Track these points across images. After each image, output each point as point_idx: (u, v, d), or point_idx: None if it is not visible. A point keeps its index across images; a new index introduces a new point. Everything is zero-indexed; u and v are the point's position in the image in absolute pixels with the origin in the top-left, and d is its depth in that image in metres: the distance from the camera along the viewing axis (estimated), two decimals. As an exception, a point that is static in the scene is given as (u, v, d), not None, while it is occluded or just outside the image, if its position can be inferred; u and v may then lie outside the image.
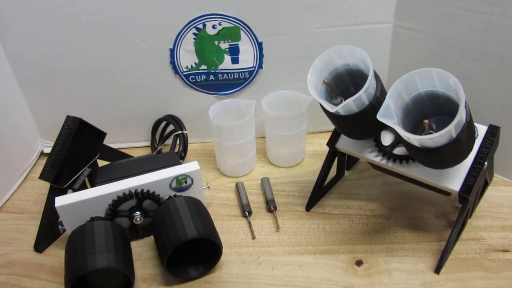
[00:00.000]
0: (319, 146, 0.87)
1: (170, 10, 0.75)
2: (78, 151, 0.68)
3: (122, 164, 0.72)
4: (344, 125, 0.60)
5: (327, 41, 0.78)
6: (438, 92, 0.53)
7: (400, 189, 0.75)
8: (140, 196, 0.64)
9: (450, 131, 0.47)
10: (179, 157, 0.80)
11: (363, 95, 0.54)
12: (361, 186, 0.77)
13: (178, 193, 0.68)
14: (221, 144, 0.78)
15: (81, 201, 0.62)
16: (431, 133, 0.50)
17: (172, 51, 0.79)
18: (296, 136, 0.79)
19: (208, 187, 0.74)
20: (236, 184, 0.78)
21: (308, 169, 0.82)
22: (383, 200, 0.73)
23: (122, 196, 0.64)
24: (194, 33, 0.77)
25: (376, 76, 0.57)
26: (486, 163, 0.58)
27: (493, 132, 0.59)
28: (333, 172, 0.76)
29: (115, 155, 0.77)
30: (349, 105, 0.55)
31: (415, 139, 0.50)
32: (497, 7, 0.64)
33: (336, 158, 0.74)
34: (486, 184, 0.72)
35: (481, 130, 0.60)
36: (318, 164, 0.81)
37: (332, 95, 0.58)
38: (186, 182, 0.68)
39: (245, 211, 0.72)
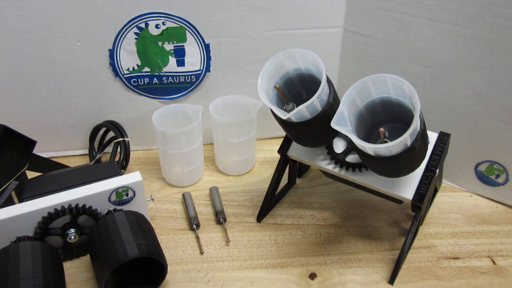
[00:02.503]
0: (270, 152, 0.84)
1: (108, 6, 0.69)
2: (2, 162, 0.60)
3: (54, 176, 0.65)
4: (296, 132, 0.57)
5: (276, 45, 0.76)
6: (391, 99, 0.51)
7: (352, 197, 0.73)
8: (75, 211, 0.58)
9: (405, 139, 0.46)
10: (120, 167, 0.73)
11: (316, 101, 0.51)
12: (313, 194, 0.74)
13: (118, 207, 0.62)
14: (166, 152, 0.72)
15: (5, 219, 0.55)
16: (386, 142, 0.48)
17: (111, 52, 0.73)
18: (245, 143, 0.75)
19: (152, 199, 0.68)
20: (183, 195, 0.73)
21: (259, 177, 0.79)
22: (336, 208, 0.71)
23: (54, 213, 0.57)
24: (135, 33, 0.72)
25: (329, 81, 0.55)
26: (437, 170, 0.58)
27: (443, 139, 0.59)
28: (284, 180, 0.74)
29: (47, 165, 0.70)
30: (301, 112, 0.52)
31: (370, 148, 0.48)
32: (444, 13, 0.64)
33: (288, 166, 0.71)
34: (435, 191, 0.72)
35: (431, 137, 0.60)
36: (269, 172, 0.79)
37: (283, 100, 0.55)
38: (127, 194, 0.62)
39: (193, 224, 0.67)
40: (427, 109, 0.72)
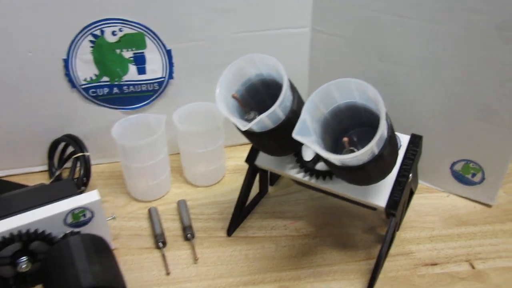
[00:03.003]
0: (241, 160, 0.79)
1: (60, 14, 0.64)
2: None
3: (5, 199, 0.60)
4: (260, 142, 0.54)
5: (243, 48, 0.72)
6: (357, 104, 0.48)
7: (326, 204, 0.70)
8: (26, 238, 0.53)
9: (372, 148, 0.43)
10: (81, 184, 0.69)
11: (278, 110, 0.48)
12: (286, 202, 0.71)
13: (76, 229, 0.58)
14: (128, 166, 0.68)
15: None
16: (352, 150, 0.45)
17: (66, 62, 0.68)
18: (213, 152, 0.71)
19: (114, 218, 0.64)
20: (149, 210, 0.69)
21: (230, 186, 0.75)
22: (310, 216, 0.68)
23: (1, 241, 0.52)
24: (91, 41, 0.67)
25: (292, 86, 0.52)
26: (411, 175, 0.55)
27: (415, 142, 0.56)
28: (255, 189, 0.70)
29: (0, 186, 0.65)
30: (263, 121, 0.49)
31: (335, 159, 0.45)
32: (413, 9, 0.62)
33: (258, 174, 0.68)
34: (411, 193, 0.70)
35: (403, 140, 0.57)
36: (240, 181, 0.74)
37: (244, 109, 0.52)
38: (84, 215, 0.58)
39: (159, 242, 0.63)
40: (400, 108, 0.69)
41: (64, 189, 0.61)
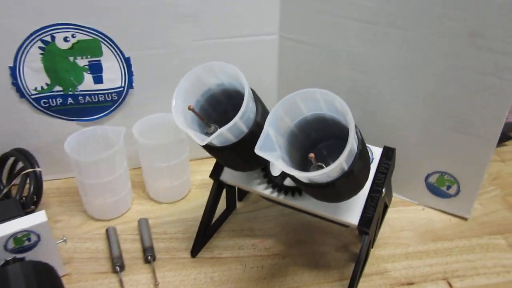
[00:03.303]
0: (208, 174, 0.75)
1: (5, 17, 0.59)
2: None
3: None
4: (222, 157, 0.50)
5: (207, 56, 0.68)
6: (325, 116, 0.45)
7: (297, 220, 0.67)
8: (-41, 267, 0.48)
9: (341, 164, 0.39)
10: (30, 203, 0.63)
11: (240, 122, 0.44)
12: (255, 219, 0.67)
13: (19, 255, 0.52)
14: (83, 182, 0.63)
15: None
16: (321, 166, 0.41)
17: (13, 70, 0.63)
18: (177, 166, 0.67)
19: (65, 241, 0.59)
20: (107, 230, 0.64)
21: (196, 202, 0.70)
22: (280, 234, 0.64)
23: None
24: (40, 47, 0.62)
25: (256, 97, 0.48)
26: (383, 189, 0.52)
27: (388, 155, 0.53)
28: (223, 205, 0.66)
29: None
30: (223, 135, 0.45)
31: (301, 177, 0.41)
32: (382, 15, 0.59)
33: (225, 190, 0.64)
34: (386, 207, 0.67)
35: (375, 152, 0.54)
36: (207, 196, 0.70)
37: (204, 122, 0.48)
38: (29, 239, 0.52)
39: (116, 265, 0.58)
40: (371, 119, 0.67)
41: (6, 210, 0.55)
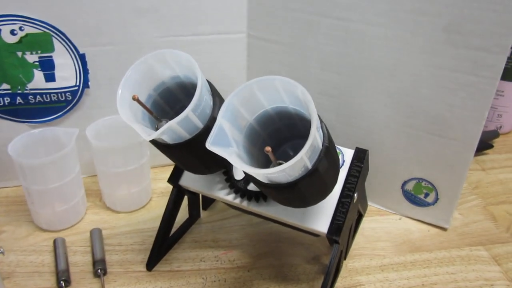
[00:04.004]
0: (172, 181, 0.71)
1: None
2: None
3: None
4: (176, 156, 0.45)
5: (170, 53, 0.64)
6: (288, 109, 0.40)
7: (266, 230, 0.62)
8: None
9: (302, 160, 0.35)
10: (-31, 211, 0.57)
11: (193, 116, 0.39)
12: (220, 229, 0.62)
13: None
14: (29, 189, 0.57)
15: None
16: (280, 164, 0.37)
17: (-47, 65, 0.57)
18: (135, 172, 0.62)
19: (2, 253, 0.52)
20: (54, 242, 0.58)
21: (156, 212, 0.65)
22: (246, 245, 0.59)
23: None
24: (-16, 41, 0.57)
25: (213, 90, 0.43)
26: (355, 194, 0.47)
27: (360, 157, 0.49)
28: (185, 214, 0.61)
29: None
30: (175, 130, 0.40)
31: (259, 175, 0.37)
32: (355, 12, 0.56)
33: (187, 197, 0.59)
34: (360, 216, 0.62)
35: (346, 155, 0.50)
36: (169, 205, 0.65)
37: (153, 116, 0.43)
38: (-42, 251, 0.46)
39: (60, 280, 0.52)
40: (344, 122, 0.63)
41: None
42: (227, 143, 0.37)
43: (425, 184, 0.62)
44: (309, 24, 0.60)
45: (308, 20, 0.60)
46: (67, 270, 0.54)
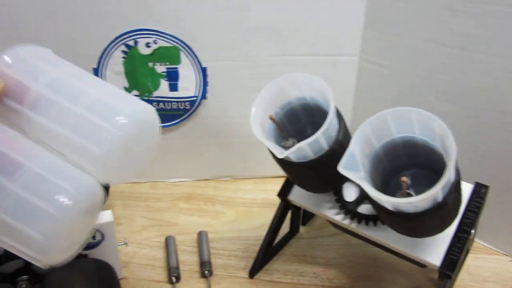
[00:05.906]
0: (272, 194, 0.72)
1: (93, 20, 0.61)
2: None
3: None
4: (296, 174, 0.47)
5: (282, 72, 0.65)
6: (416, 140, 0.41)
7: (365, 252, 0.62)
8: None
9: (436, 193, 0.35)
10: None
11: (321, 138, 0.41)
12: (318, 246, 0.63)
13: (84, 251, 0.52)
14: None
15: None
16: (409, 194, 0.37)
17: (96, 72, 0.65)
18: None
19: (126, 244, 0.58)
20: (166, 239, 0.63)
21: (258, 221, 0.68)
22: (344, 265, 0.60)
23: (2, 255, 0.47)
24: (123, 51, 0.64)
25: (339, 114, 0.45)
26: (473, 231, 0.46)
27: (480, 193, 0.48)
28: (285, 228, 0.63)
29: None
30: (303, 150, 0.42)
31: (388, 202, 0.37)
32: (480, 41, 0.54)
33: (290, 212, 0.61)
34: (467, 252, 0.60)
35: (464, 189, 0.49)
36: (269, 216, 0.67)
37: (282, 135, 0.45)
38: (94, 237, 0.52)
39: (172, 276, 0.57)
40: (460, 153, 0.61)
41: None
42: (356, 168, 0.38)
43: (542, 225, 0.58)
44: (424, 51, 0.59)
45: (423, 48, 0.59)
46: (177, 267, 0.58)
